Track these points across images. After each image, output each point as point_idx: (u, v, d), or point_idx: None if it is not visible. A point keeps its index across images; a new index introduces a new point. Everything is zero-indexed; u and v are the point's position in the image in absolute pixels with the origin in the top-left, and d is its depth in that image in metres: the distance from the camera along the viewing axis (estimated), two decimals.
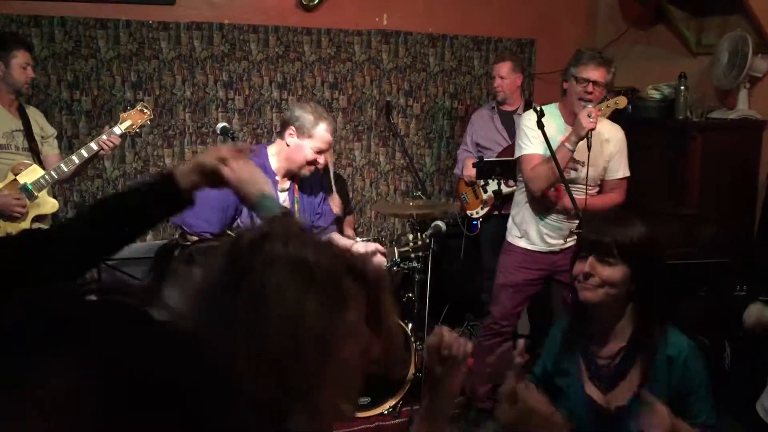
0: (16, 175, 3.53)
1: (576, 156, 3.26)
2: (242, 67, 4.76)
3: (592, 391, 2.00)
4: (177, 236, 3.33)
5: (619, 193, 3.45)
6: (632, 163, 3.51)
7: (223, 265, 1.00)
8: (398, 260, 3.86)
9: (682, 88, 4.50)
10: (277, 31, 4.80)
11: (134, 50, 4.50)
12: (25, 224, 3.54)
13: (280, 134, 3.25)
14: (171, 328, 0.56)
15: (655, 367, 1.93)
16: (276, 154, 3.23)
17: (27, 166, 3.57)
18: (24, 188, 3.53)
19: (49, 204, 3.66)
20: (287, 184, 3.29)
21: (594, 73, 3.27)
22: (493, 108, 4.68)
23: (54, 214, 3.75)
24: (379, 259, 3.39)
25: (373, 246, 3.40)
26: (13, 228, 3.49)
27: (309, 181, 3.35)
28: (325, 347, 0.96)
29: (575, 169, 3.36)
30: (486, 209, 4.56)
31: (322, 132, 3.16)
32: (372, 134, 5.19)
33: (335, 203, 4.41)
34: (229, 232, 3.20)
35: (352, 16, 4.99)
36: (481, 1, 5.29)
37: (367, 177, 5.23)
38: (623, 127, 3.51)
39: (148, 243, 3.96)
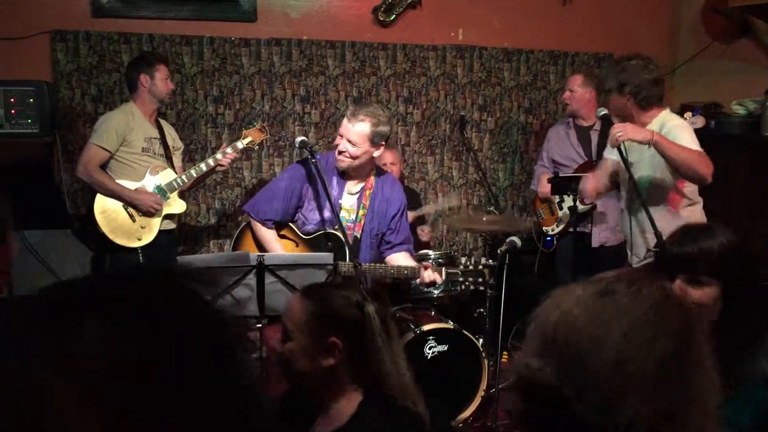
0: (153, 176, 3.95)
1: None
2: (319, 82, 4.86)
3: None
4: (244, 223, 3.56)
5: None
6: (713, 180, 3.39)
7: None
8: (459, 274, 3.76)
9: None
10: (353, 46, 4.89)
11: (217, 66, 4.65)
12: (158, 220, 3.95)
13: None
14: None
15: (746, 395, 1.68)
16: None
17: (163, 168, 3.99)
18: (159, 188, 3.94)
19: (179, 205, 4.07)
20: (358, 187, 3.38)
21: None
22: (569, 123, 4.62)
23: (180, 215, 4.17)
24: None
25: (433, 276, 3.38)
26: (146, 222, 3.90)
27: (387, 193, 3.43)
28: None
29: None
30: (561, 226, 4.50)
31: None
32: (445, 148, 5.21)
33: (425, 233, 4.52)
34: (291, 224, 3.37)
35: (428, 32, 5.03)
36: (558, 15, 5.25)
37: (440, 191, 5.24)
38: (704, 144, 3.39)
39: (228, 252, 4.07)
